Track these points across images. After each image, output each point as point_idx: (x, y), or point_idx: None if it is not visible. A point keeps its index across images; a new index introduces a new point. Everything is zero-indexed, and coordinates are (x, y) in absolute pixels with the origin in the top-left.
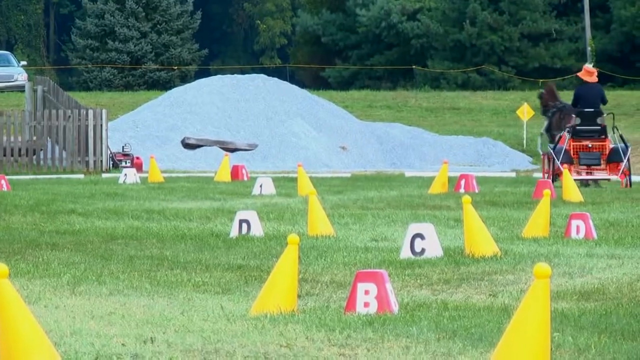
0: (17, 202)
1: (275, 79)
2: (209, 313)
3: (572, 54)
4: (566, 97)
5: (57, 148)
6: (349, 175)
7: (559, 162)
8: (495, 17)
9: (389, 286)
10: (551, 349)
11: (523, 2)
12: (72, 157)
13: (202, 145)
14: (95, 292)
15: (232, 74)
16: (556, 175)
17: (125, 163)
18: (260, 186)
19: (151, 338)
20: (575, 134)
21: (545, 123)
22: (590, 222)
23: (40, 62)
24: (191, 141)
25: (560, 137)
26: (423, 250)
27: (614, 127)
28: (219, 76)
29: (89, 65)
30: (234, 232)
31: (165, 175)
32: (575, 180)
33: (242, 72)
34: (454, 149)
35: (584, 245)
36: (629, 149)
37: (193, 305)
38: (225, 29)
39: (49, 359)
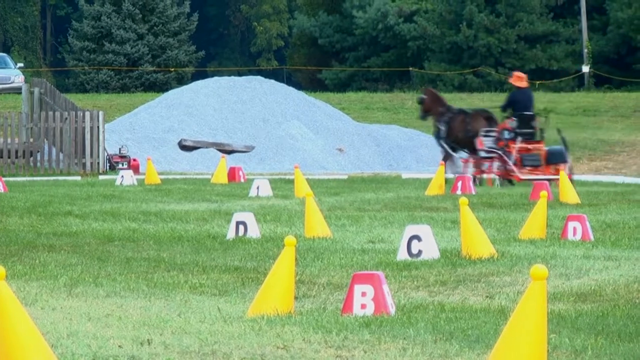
0: (13, 204)
1: (272, 80)
2: (206, 315)
3: (569, 56)
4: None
5: (54, 150)
6: (345, 177)
7: (511, 164)
8: (492, 19)
9: (385, 288)
10: (548, 350)
11: (520, 4)
12: (69, 159)
13: (198, 147)
14: (92, 293)
15: (229, 75)
16: (506, 177)
17: (122, 165)
18: (257, 188)
19: (148, 340)
20: (514, 137)
21: (442, 129)
22: (587, 223)
23: (37, 64)
24: (188, 143)
25: (499, 139)
26: (420, 252)
27: (558, 129)
28: (215, 78)
29: (86, 67)
30: (230, 234)
31: (162, 177)
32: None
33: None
34: None
35: (580, 247)
36: (568, 151)
37: (190, 307)
38: (222, 31)
39: None
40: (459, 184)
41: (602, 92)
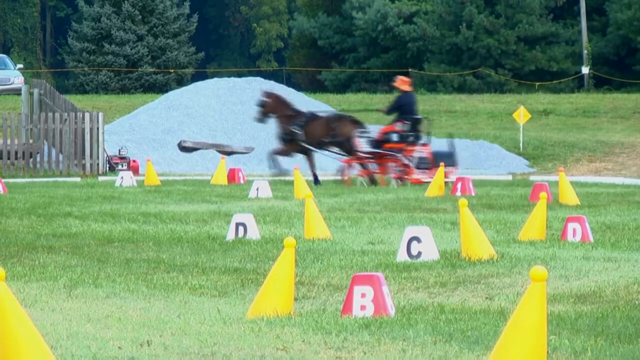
0: (13, 205)
1: (272, 82)
2: (206, 316)
3: (569, 57)
4: (565, 99)
5: (53, 151)
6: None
7: (414, 166)
8: (492, 20)
9: (385, 289)
10: (547, 352)
11: (519, 5)
12: (69, 160)
13: (198, 149)
14: (92, 295)
15: (229, 77)
16: (403, 179)
17: (122, 166)
18: (257, 189)
19: (147, 341)
20: (403, 140)
21: (298, 132)
22: (587, 225)
23: (36, 65)
24: (188, 144)
25: (389, 141)
26: (419, 253)
27: (449, 134)
28: (215, 79)
29: (86, 69)
30: (230, 235)
31: (162, 178)
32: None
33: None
34: None
35: (580, 248)
36: (456, 155)
37: (189, 308)
38: (221, 32)
39: None
40: (459, 185)
41: (601, 93)
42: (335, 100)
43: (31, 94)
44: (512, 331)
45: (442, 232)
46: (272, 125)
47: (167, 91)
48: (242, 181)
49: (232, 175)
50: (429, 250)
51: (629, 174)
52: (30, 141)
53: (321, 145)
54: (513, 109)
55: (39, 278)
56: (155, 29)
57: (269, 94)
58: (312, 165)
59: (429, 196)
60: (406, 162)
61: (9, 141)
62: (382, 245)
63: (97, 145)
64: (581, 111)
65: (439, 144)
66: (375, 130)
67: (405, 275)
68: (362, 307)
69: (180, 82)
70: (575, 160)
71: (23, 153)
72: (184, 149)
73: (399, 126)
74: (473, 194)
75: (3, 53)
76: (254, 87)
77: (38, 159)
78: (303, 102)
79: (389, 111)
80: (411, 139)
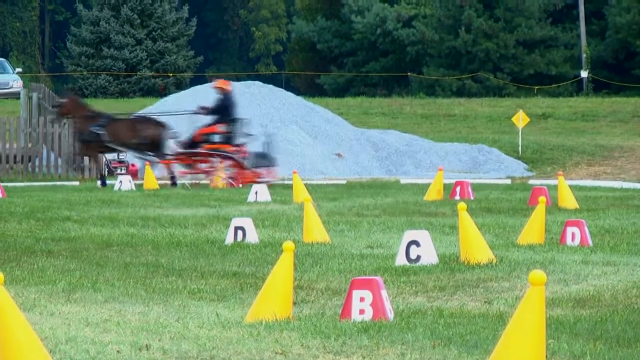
0: (12, 209)
1: (271, 86)
2: (205, 320)
3: (568, 61)
4: (564, 103)
5: (52, 155)
6: (344, 182)
7: (249, 166)
8: (491, 24)
9: (384, 293)
10: (546, 356)
11: (518, 9)
12: (68, 164)
13: None
14: (91, 299)
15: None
16: (235, 179)
17: (121, 170)
18: (256, 193)
19: (146, 345)
20: (226, 140)
21: (101, 132)
22: (586, 229)
23: (35, 69)
24: None
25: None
26: (418, 257)
27: (267, 135)
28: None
29: (84, 72)
30: (229, 239)
31: (161, 182)
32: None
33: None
34: (449, 156)
35: (579, 252)
36: (272, 156)
37: (188, 313)
38: (220, 36)
39: None
40: (458, 189)
41: (600, 97)
42: (334, 104)
43: (30, 97)
44: (511, 335)
45: (441, 236)
46: (271, 130)
47: (165, 95)
48: (240, 185)
49: None
50: (427, 254)
51: (627, 178)
52: (29, 145)
53: (128, 147)
54: (512, 113)
55: (38, 282)
56: (154, 32)
57: (67, 96)
58: (99, 167)
59: (428, 200)
60: (240, 161)
61: (7, 145)
62: (381, 249)
63: None
64: (580, 115)
65: (257, 145)
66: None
67: (404, 279)
68: (361, 311)
69: (179, 86)
70: (574, 164)
71: (22, 157)
72: None
73: (220, 127)
74: (472, 198)
75: (2, 57)
76: (253, 91)
77: (37, 163)
78: (302, 106)
79: (211, 112)
80: (233, 139)
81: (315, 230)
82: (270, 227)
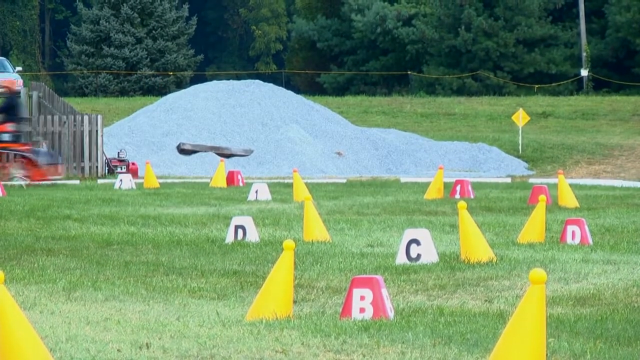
0: (12, 207)
1: (271, 84)
2: (205, 319)
3: (568, 60)
4: (564, 102)
5: None
6: (344, 180)
7: (44, 163)
8: (491, 22)
9: (384, 292)
10: (547, 354)
11: (518, 7)
12: (68, 163)
13: (197, 151)
14: (91, 297)
15: (228, 79)
16: (28, 177)
17: (121, 169)
18: (256, 192)
19: (147, 344)
20: (15, 139)
21: None
22: (586, 227)
23: (35, 68)
24: (187, 147)
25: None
26: (419, 256)
27: (34, 136)
28: (214, 82)
29: (85, 71)
30: (229, 238)
31: (161, 181)
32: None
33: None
34: (449, 155)
35: (579, 251)
36: (53, 154)
37: (189, 311)
38: (220, 34)
39: None
40: (458, 187)
41: (600, 95)
42: (334, 102)
43: (30, 96)
44: (511, 334)
45: (441, 235)
46: (271, 129)
47: (166, 94)
48: (241, 184)
49: (231, 178)
50: (428, 252)
51: (627, 177)
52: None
53: None
54: (512, 112)
55: (38, 281)
56: (154, 31)
57: None
58: None
59: (428, 199)
60: (33, 159)
61: None
62: (381, 248)
63: (96, 148)
64: (580, 114)
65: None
66: None
67: (404, 278)
68: (361, 310)
69: (179, 85)
70: (574, 162)
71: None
72: (182, 151)
73: (10, 127)
74: (472, 197)
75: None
76: (253, 90)
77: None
78: (302, 104)
79: (4, 111)
80: (22, 138)
81: (315, 228)
82: (271, 226)
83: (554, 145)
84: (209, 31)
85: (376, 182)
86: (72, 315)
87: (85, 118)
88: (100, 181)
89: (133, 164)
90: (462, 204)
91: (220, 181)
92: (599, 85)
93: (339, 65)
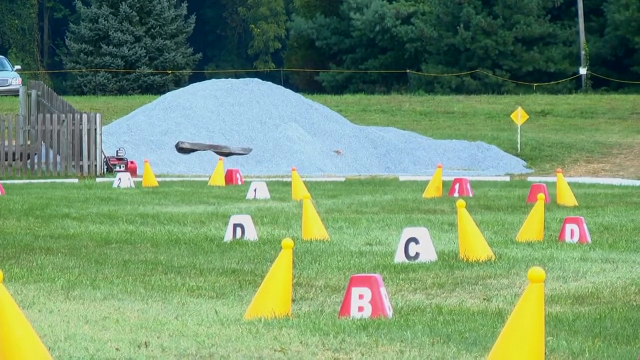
0: (11, 206)
1: (270, 83)
2: (203, 317)
3: (566, 58)
4: (562, 100)
5: (51, 152)
6: (343, 179)
7: None
8: (489, 21)
9: (383, 290)
10: (545, 353)
11: (517, 6)
12: (66, 162)
13: (196, 150)
14: (90, 296)
15: (226, 78)
16: None
17: (120, 167)
18: (255, 190)
19: (145, 342)
20: None
21: None
22: (585, 226)
23: (34, 67)
24: (185, 145)
25: None
26: (417, 255)
27: None
28: (213, 80)
29: (83, 70)
30: (228, 237)
31: (160, 179)
32: None
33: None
34: (448, 153)
35: (578, 249)
36: None
37: (187, 310)
38: (219, 33)
39: None
40: (457, 186)
41: (599, 94)
42: (333, 101)
43: (29, 95)
44: (510, 332)
45: (439, 233)
46: (270, 127)
47: (164, 92)
48: (239, 182)
49: (229, 177)
50: (426, 251)
51: (626, 175)
52: (28, 142)
53: None
54: (511, 110)
55: (37, 279)
56: (152, 30)
57: None
58: None
59: (427, 197)
60: None
61: (6, 142)
62: (379, 247)
63: (94, 147)
64: (579, 112)
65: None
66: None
67: (403, 277)
68: (360, 309)
69: (178, 83)
70: (572, 161)
71: (21, 154)
72: (181, 150)
73: None
74: (471, 195)
75: (1, 54)
76: (252, 88)
77: (36, 160)
78: (300, 103)
79: None
80: None
81: (314, 227)
82: (269, 225)
83: (552, 143)
84: (208, 29)
85: (375, 181)
86: (70, 314)
87: (84, 116)
88: (98, 180)
89: (132, 162)
90: (460, 203)
91: (218, 180)
92: (598, 84)
93: (338, 63)
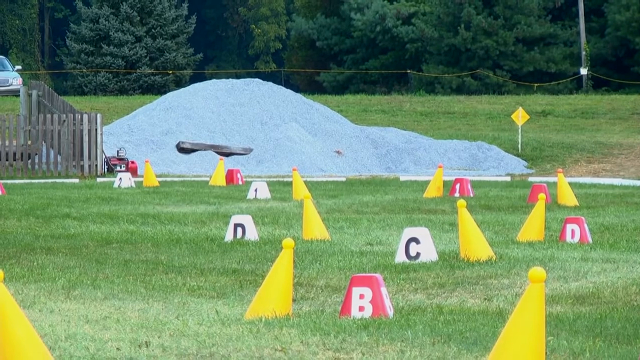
0: (12, 206)
1: (270, 83)
2: (204, 317)
3: (567, 58)
4: (563, 100)
5: (52, 152)
6: (344, 179)
7: None
8: (490, 21)
9: (384, 290)
10: (546, 353)
11: (518, 6)
12: (67, 162)
13: (197, 150)
14: (90, 296)
15: (227, 78)
16: None
17: (120, 167)
18: (255, 190)
19: (146, 342)
20: None
21: None
22: (585, 226)
23: (35, 67)
24: (186, 145)
25: None
26: (418, 255)
27: None
28: (213, 80)
29: (84, 70)
30: (229, 236)
31: (160, 179)
32: None
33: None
34: (448, 153)
35: (578, 249)
36: None
37: (188, 310)
38: (220, 33)
39: None
40: (457, 186)
41: (600, 94)
42: (334, 101)
43: (29, 95)
44: (511, 332)
45: (440, 233)
46: (270, 127)
47: (165, 92)
48: (240, 182)
49: (230, 177)
50: (427, 251)
51: (627, 175)
52: (29, 142)
53: None
54: (511, 110)
55: (38, 279)
56: (153, 30)
57: None
58: None
59: (428, 197)
60: None
61: (7, 142)
62: (380, 247)
63: (95, 147)
64: (579, 112)
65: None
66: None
67: (403, 277)
68: (361, 308)
69: (179, 84)
70: (573, 161)
71: (21, 154)
72: (182, 150)
73: None
74: (471, 195)
75: (1, 54)
76: (252, 89)
77: (36, 160)
78: (301, 103)
79: None
80: None
81: (314, 227)
82: (270, 224)
83: (553, 143)
84: (209, 30)
85: (375, 181)
86: (71, 313)
87: (85, 117)
88: (99, 180)
89: (132, 162)
90: (461, 203)
91: (219, 180)
92: (599, 84)
93: (339, 64)
